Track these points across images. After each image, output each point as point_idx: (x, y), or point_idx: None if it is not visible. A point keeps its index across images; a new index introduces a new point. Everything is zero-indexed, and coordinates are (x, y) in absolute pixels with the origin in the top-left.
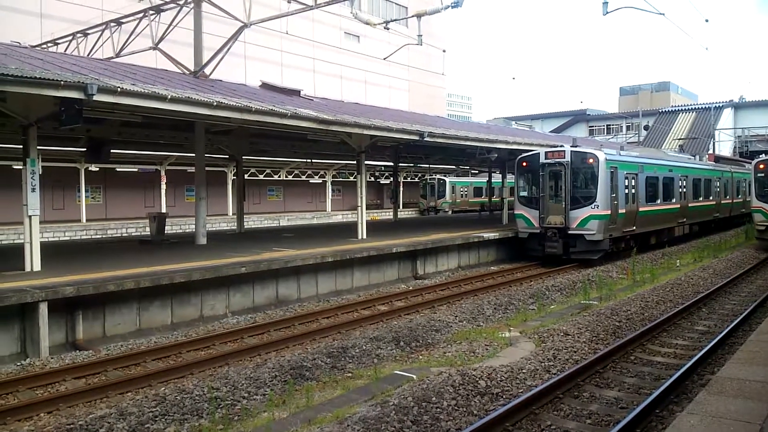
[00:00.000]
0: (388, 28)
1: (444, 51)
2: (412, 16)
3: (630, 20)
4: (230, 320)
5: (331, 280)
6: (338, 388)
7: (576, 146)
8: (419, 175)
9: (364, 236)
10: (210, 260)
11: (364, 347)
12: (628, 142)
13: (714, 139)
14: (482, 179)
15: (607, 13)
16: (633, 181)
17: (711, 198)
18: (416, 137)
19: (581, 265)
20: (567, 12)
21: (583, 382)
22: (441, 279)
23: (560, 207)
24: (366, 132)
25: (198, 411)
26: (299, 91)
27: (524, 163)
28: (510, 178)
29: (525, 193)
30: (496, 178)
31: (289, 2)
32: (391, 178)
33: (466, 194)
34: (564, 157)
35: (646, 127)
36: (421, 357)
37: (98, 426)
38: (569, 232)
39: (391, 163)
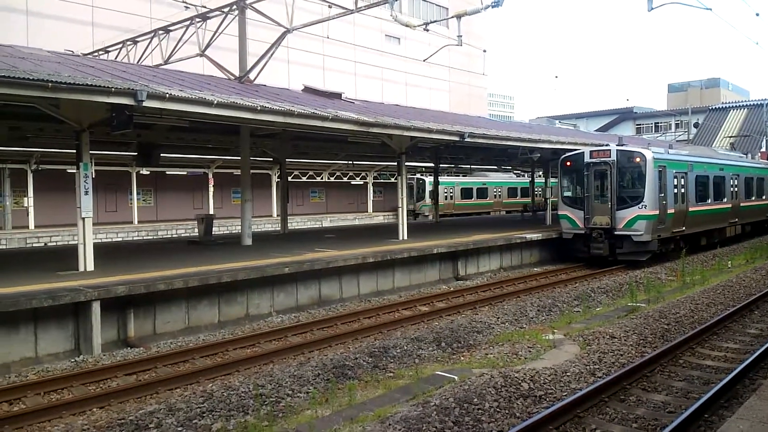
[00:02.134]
0: (427, 30)
1: (484, 51)
2: (452, 17)
3: (677, 15)
4: (275, 319)
5: (373, 280)
6: (380, 388)
7: (622, 145)
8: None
9: (405, 237)
10: (255, 260)
11: (405, 347)
12: (676, 141)
13: (767, 137)
14: (473, 179)
15: (652, 9)
16: (682, 180)
17: (764, 197)
18: (457, 138)
19: (628, 267)
20: (611, 8)
21: (629, 385)
22: (483, 280)
23: (606, 207)
24: (406, 133)
25: (244, 407)
26: (340, 94)
27: (568, 163)
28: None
29: (569, 194)
30: (496, 177)
31: (330, 7)
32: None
33: (451, 196)
34: (610, 156)
35: (695, 125)
36: (462, 358)
37: (148, 421)
38: (615, 232)
39: (432, 164)
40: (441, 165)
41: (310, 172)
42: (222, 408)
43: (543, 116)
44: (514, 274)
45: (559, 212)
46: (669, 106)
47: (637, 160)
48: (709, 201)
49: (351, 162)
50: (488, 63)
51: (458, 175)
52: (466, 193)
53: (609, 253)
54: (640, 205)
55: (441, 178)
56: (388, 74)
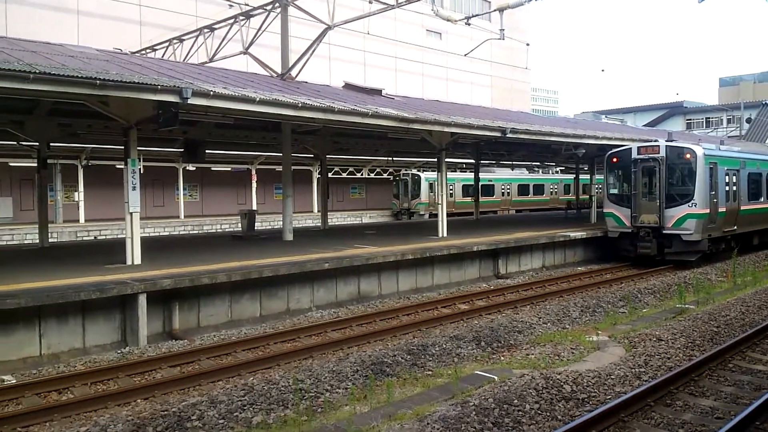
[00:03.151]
0: (469, 24)
1: (528, 45)
2: (495, 11)
3: (728, 6)
4: (314, 314)
5: (412, 277)
6: (418, 386)
7: (671, 141)
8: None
9: (445, 234)
10: (296, 256)
11: (445, 346)
12: (728, 136)
13: None
14: (470, 176)
15: (702, 0)
16: (734, 177)
17: None
18: (498, 134)
19: (676, 267)
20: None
21: (676, 390)
22: (524, 279)
23: (654, 205)
24: (446, 129)
25: (283, 401)
26: (381, 91)
27: (614, 159)
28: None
29: (615, 191)
30: (504, 173)
31: (370, 2)
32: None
33: (450, 193)
34: (658, 153)
35: (748, 120)
36: (502, 358)
37: (190, 413)
38: (664, 231)
39: (473, 161)
40: (446, 161)
41: (351, 168)
42: (262, 401)
43: (588, 111)
44: (557, 273)
45: (605, 210)
46: (720, 100)
47: (687, 156)
48: (762, 199)
49: (391, 158)
50: (532, 57)
51: (462, 170)
52: (468, 190)
53: (657, 253)
54: (689, 204)
55: (434, 175)
56: (429, 70)
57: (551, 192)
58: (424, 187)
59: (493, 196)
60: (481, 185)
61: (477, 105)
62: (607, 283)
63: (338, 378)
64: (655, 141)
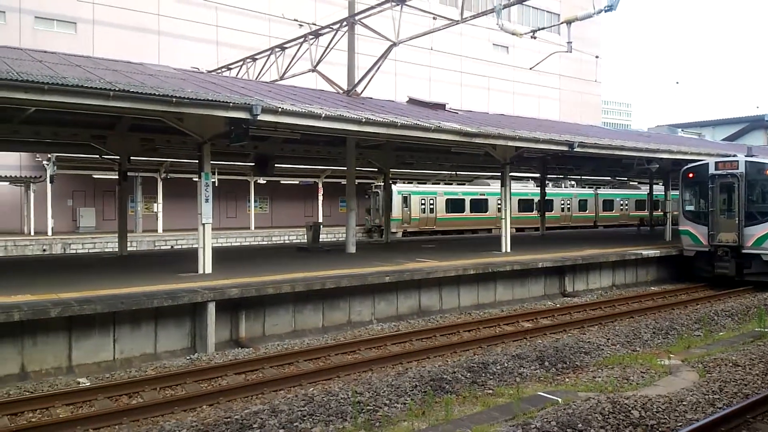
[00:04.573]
0: (535, 37)
1: (597, 57)
2: (562, 23)
3: None
4: (375, 327)
5: (473, 292)
6: (478, 404)
7: (752, 156)
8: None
9: (509, 249)
10: (357, 268)
11: (506, 364)
12: None
13: None
14: (467, 189)
15: None
16: None
17: None
18: (565, 148)
19: (757, 289)
20: (736, 8)
21: (753, 419)
22: (592, 298)
23: (732, 223)
24: (510, 143)
25: (342, 414)
26: (444, 105)
27: (690, 175)
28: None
29: (691, 208)
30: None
31: (434, 18)
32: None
33: (431, 208)
34: (737, 168)
35: None
36: (567, 380)
37: (252, 421)
38: (743, 251)
39: (538, 175)
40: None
41: (414, 182)
42: (322, 413)
43: (663, 124)
44: (628, 293)
45: (680, 227)
46: None
47: None
48: None
49: (454, 172)
50: (603, 69)
51: (453, 183)
52: (455, 205)
53: (735, 273)
54: None
55: (415, 188)
56: (495, 83)
57: (621, 208)
58: (396, 201)
59: (486, 211)
60: (471, 199)
61: (544, 118)
62: (681, 305)
63: (397, 392)
64: (734, 156)
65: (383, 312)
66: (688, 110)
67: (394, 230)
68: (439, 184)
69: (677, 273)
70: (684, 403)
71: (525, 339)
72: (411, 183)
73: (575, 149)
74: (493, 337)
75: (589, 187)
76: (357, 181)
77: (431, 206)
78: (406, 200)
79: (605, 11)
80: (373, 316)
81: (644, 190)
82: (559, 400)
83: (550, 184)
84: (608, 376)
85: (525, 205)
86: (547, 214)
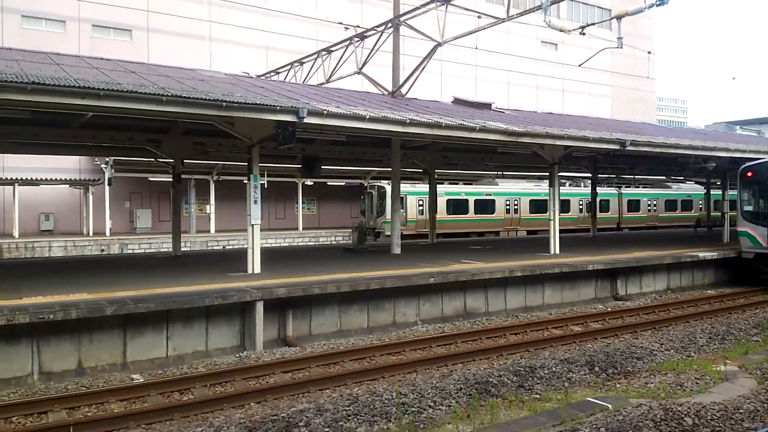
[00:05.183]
0: (584, 33)
1: (649, 53)
2: (612, 18)
3: None
4: (420, 328)
5: (521, 295)
6: (524, 409)
7: None
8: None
9: (557, 251)
10: (402, 269)
11: (554, 369)
12: None
13: None
14: (472, 188)
15: None
16: None
17: None
18: (617, 146)
19: None
20: None
21: None
22: (645, 301)
23: None
24: (558, 142)
25: (386, 414)
26: (490, 105)
27: (749, 174)
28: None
29: (750, 208)
30: (509, 186)
31: (479, 17)
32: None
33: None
34: None
35: None
36: (618, 385)
37: (298, 419)
38: None
39: (589, 174)
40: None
41: (460, 183)
42: (366, 413)
43: (721, 122)
44: (683, 296)
45: (739, 228)
46: None
47: None
48: None
49: (501, 172)
50: (657, 65)
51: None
52: (457, 206)
53: None
54: None
55: (408, 187)
56: (544, 81)
57: (649, 208)
58: (389, 202)
59: (493, 213)
60: (476, 200)
61: (595, 116)
62: (739, 309)
63: (441, 395)
64: None
65: (428, 313)
66: (746, 107)
67: (388, 233)
68: (443, 183)
69: (735, 276)
70: (740, 411)
71: (574, 343)
72: (408, 183)
73: (627, 148)
74: (541, 341)
75: (614, 187)
76: (402, 181)
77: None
78: (401, 201)
79: (657, 5)
80: (417, 317)
81: (675, 189)
82: (609, 406)
83: (567, 183)
84: (661, 382)
85: (537, 205)
86: (562, 215)
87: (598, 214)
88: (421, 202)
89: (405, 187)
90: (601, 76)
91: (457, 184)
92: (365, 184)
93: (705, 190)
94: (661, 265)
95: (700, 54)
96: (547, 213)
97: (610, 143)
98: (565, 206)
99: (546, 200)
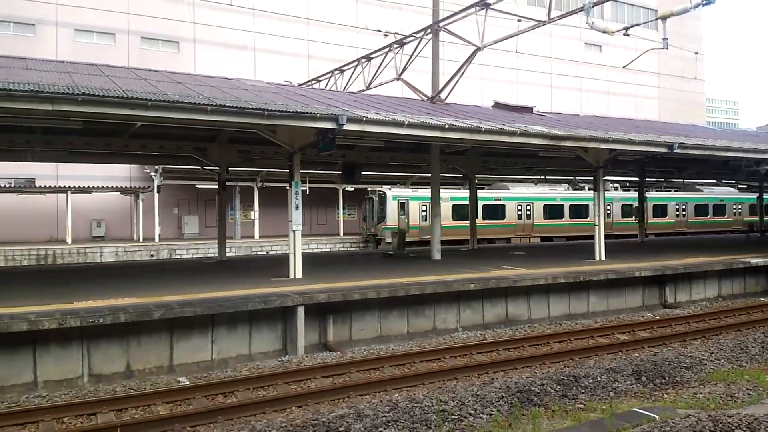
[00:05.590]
0: (628, 35)
1: (696, 53)
2: (656, 19)
3: None
4: (460, 335)
5: (564, 302)
6: (568, 419)
7: None
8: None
9: (602, 257)
10: (442, 275)
11: (599, 378)
12: None
13: None
14: (482, 193)
15: None
16: None
17: None
18: (664, 149)
19: None
20: None
21: None
22: (695, 309)
23: None
24: (603, 146)
25: (426, 422)
26: (532, 108)
27: None
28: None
29: None
30: (520, 191)
31: (519, 21)
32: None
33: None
34: None
35: None
36: (665, 396)
37: (338, 424)
38: None
39: (636, 179)
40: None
41: (415, 187)
42: (406, 419)
43: None
44: (735, 304)
45: None
46: None
47: None
48: None
49: (543, 177)
50: (707, 66)
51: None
52: (464, 211)
53: None
54: None
55: (411, 192)
56: (588, 84)
57: (677, 213)
58: (390, 208)
59: (503, 219)
60: (484, 205)
61: (641, 119)
62: None
63: (482, 403)
64: None
65: (469, 320)
66: None
67: (389, 240)
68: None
69: None
70: None
71: (620, 352)
72: (409, 187)
73: (675, 151)
74: (586, 349)
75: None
76: (442, 186)
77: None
78: (403, 207)
79: (703, 5)
80: (458, 323)
81: (707, 193)
82: (656, 417)
83: (587, 187)
84: (711, 392)
85: (552, 211)
86: (580, 221)
87: (619, 221)
88: (424, 208)
89: (406, 192)
90: (647, 78)
91: (485, 188)
92: (368, 190)
93: (757, 194)
94: (712, 271)
95: (752, 54)
96: (563, 218)
97: (657, 146)
98: (583, 211)
99: (562, 205)
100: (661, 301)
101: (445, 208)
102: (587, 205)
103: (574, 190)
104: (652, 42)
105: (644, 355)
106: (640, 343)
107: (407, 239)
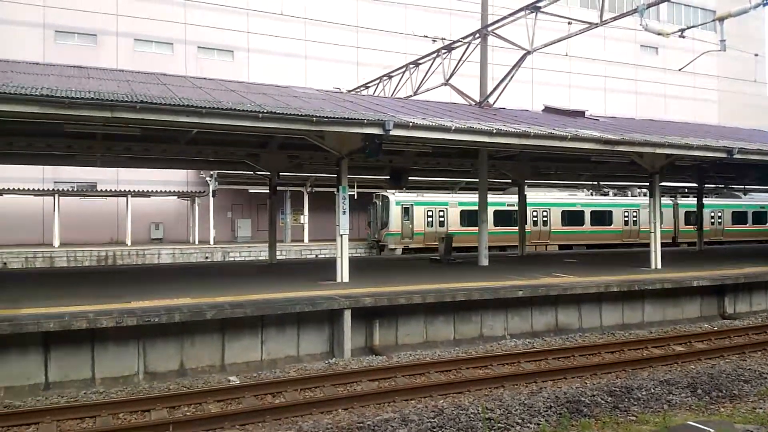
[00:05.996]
0: (684, 36)
1: (756, 55)
2: (714, 20)
3: None
4: (508, 342)
5: (617, 311)
6: (619, 431)
7: None
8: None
9: (659, 266)
10: (489, 281)
11: (653, 390)
12: None
13: None
14: (475, 198)
15: None
16: None
17: None
18: (723, 154)
19: None
20: None
21: None
22: (756, 321)
23: None
24: (659, 150)
25: (472, 429)
26: (583, 112)
27: None
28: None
29: None
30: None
31: (569, 23)
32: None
33: (441, 221)
34: None
35: None
36: (722, 410)
37: (383, 428)
38: None
39: (695, 185)
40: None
41: (420, 192)
42: (450, 426)
43: None
44: None
45: None
46: None
47: None
48: None
49: (597, 182)
50: None
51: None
52: (473, 217)
53: None
54: None
55: (415, 197)
56: (644, 87)
57: (712, 221)
58: (394, 213)
59: (610, 225)
60: (495, 211)
61: (700, 123)
62: None
63: (529, 412)
64: None
65: (517, 327)
66: None
67: (392, 246)
68: (454, 190)
69: None
70: None
71: (676, 364)
72: (414, 192)
73: (735, 156)
74: (639, 360)
75: (670, 197)
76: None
77: (441, 219)
78: (407, 212)
79: (763, 5)
80: (505, 331)
81: (747, 199)
82: (712, 431)
83: (611, 193)
84: None
85: (572, 217)
86: (602, 228)
87: (643, 228)
88: (430, 214)
89: (410, 197)
90: (706, 81)
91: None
92: (373, 194)
93: None
94: None
95: None
96: (584, 225)
97: (716, 151)
98: (606, 218)
99: (582, 211)
100: (720, 312)
101: (453, 214)
102: (611, 211)
103: (599, 195)
104: (710, 44)
105: (701, 367)
106: (697, 355)
107: (412, 246)
